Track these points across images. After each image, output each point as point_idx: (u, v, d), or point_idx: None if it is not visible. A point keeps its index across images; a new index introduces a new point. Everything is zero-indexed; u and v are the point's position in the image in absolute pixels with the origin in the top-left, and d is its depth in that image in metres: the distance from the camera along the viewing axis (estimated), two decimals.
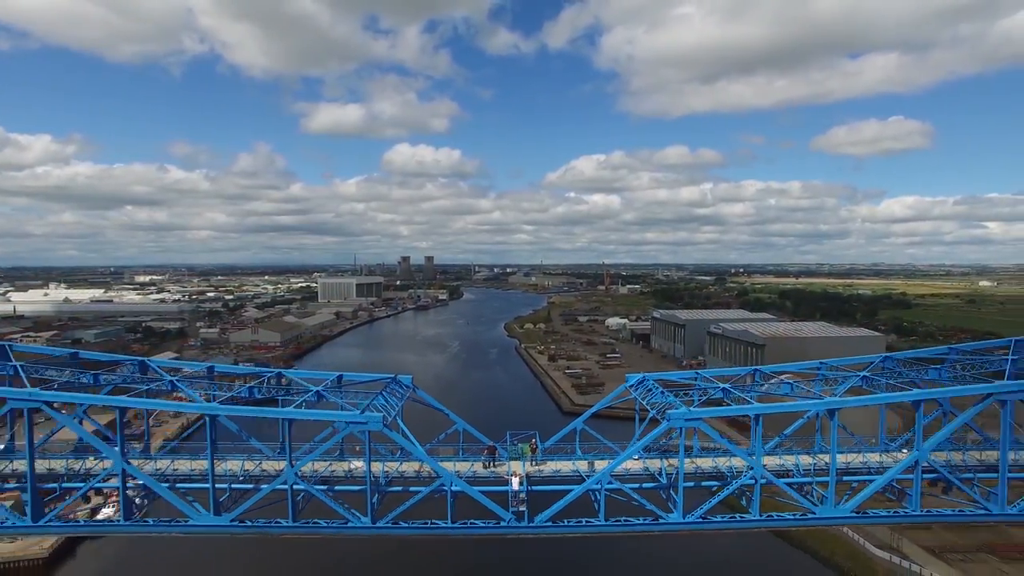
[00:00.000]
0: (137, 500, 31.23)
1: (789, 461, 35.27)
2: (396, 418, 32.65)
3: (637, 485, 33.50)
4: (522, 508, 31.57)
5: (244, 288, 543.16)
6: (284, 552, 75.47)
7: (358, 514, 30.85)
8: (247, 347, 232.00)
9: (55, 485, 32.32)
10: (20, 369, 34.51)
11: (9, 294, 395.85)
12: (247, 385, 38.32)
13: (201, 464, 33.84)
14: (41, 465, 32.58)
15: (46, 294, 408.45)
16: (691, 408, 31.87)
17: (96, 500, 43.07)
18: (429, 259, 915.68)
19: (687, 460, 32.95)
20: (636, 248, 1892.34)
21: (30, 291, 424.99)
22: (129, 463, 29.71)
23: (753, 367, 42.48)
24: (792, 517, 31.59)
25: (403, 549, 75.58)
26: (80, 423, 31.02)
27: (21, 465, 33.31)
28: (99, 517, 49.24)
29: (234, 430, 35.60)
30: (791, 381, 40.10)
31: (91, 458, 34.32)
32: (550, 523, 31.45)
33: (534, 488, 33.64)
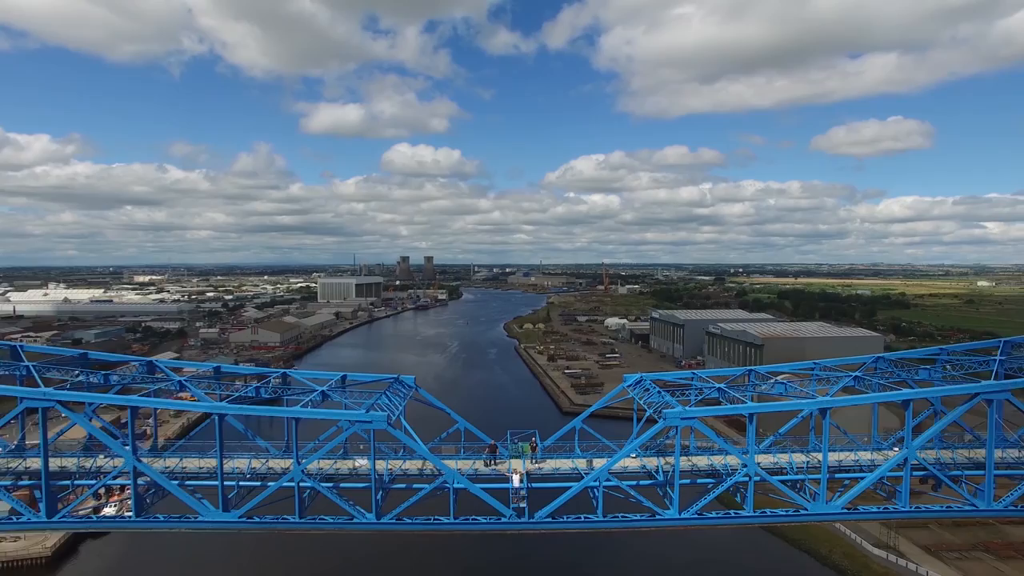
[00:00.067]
0: (147, 498, 32.05)
1: (783, 459, 36.09)
2: (400, 417, 33.48)
3: (634, 482, 34.31)
4: (522, 505, 32.43)
5: (244, 288, 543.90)
6: (283, 553, 75.92)
7: (363, 511, 31.71)
8: (247, 347, 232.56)
9: (67, 482, 33.11)
10: (32, 369, 35.27)
11: (8, 294, 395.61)
12: (253, 385, 39.09)
13: (209, 462, 34.64)
14: (53, 463, 33.35)
15: (45, 294, 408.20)
16: (687, 407, 32.71)
17: (96, 502, 43.85)
18: (429, 259, 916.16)
19: (683, 458, 33.87)
20: (635, 248, 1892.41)
21: (29, 291, 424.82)
22: (140, 460, 30.48)
23: (748, 367, 43.36)
24: (785, 513, 32.48)
25: (406, 547, 76.30)
26: (89, 421, 31.81)
27: (33, 463, 34.16)
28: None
29: (240, 429, 36.53)
30: (785, 381, 40.97)
31: (101, 456, 35.16)
32: (550, 519, 32.33)
33: (534, 485, 34.47)
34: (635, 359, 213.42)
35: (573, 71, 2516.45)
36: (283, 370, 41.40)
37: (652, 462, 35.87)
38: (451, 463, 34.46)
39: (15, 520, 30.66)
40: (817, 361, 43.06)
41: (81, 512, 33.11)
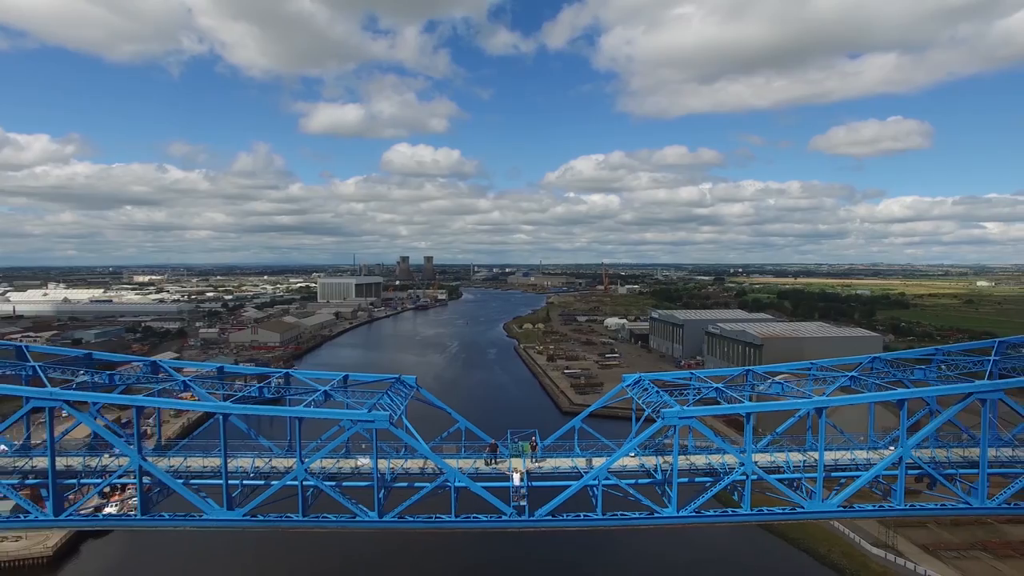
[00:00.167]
0: (152, 496, 32.45)
1: (780, 458, 36.54)
2: (401, 417, 33.91)
3: (633, 481, 34.81)
4: (523, 503, 32.89)
5: (243, 288, 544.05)
6: (283, 553, 76.17)
7: (365, 509, 32.14)
8: (247, 347, 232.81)
9: (74, 481, 33.52)
10: (39, 369, 35.67)
11: (8, 294, 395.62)
12: (256, 385, 39.49)
13: (213, 461, 35.08)
14: (59, 462, 33.69)
15: (45, 294, 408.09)
16: (685, 407, 33.16)
17: (99, 501, 44.25)
18: (428, 259, 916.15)
19: (681, 457, 34.31)
20: (635, 248, 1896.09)
21: (29, 291, 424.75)
22: (146, 459, 30.90)
23: (745, 367, 43.80)
24: (782, 511, 32.96)
25: (408, 545, 76.63)
26: (94, 421, 32.21)
27: (39, 462, 34.56)
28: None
29: (243, 429, 36.95)
30: (782, 381, 41.41)
31: (106, 455, 35.55)
32: (550, 517, 32.78)
33: (534, 484, 34.91)
34: (635, 359, 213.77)
35: (573, 71, 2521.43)
36: (286, 370, 41.82)
37: (651, 461, 36.30)
38: (452, 462, 34.87)
39: (23, 518, 31.07)
40: (814, 361, 43.51)
41: (83, 512, 33.49)
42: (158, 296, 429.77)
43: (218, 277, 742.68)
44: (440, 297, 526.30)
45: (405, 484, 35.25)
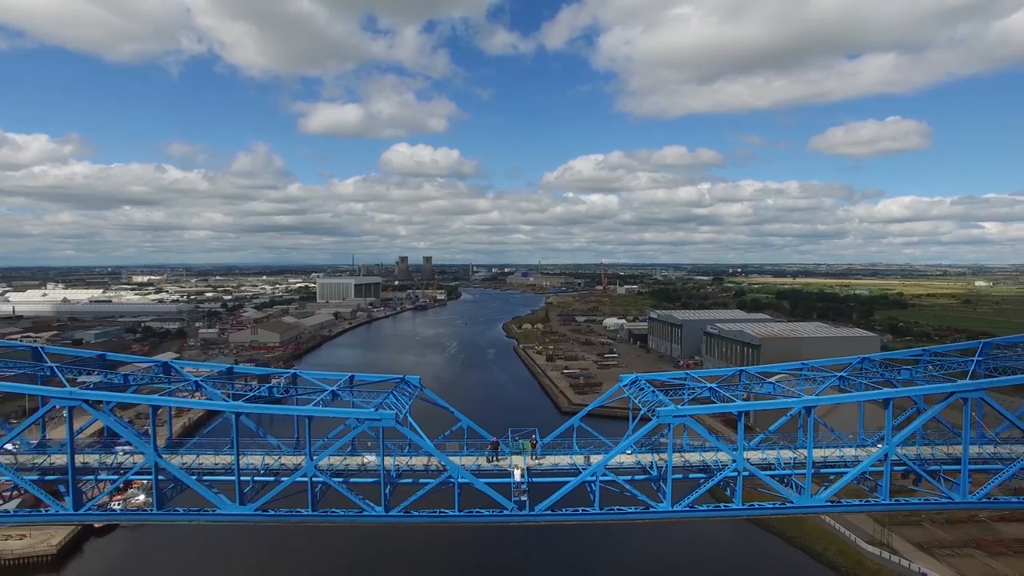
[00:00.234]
0: (166, 492, 33.71)
1: (771, 455, 37.85)
2: (406, 415, 35.15)
3: (629, 477, 36.04)
4: (523, 498, 34.18)
5: (242, 288, 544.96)
6: (288, 552, 77.14)
7: (372, 504, 33.39)
8: (247, 347, 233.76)
9: (91, 477, 34.78)
10: (56, 370, 36.93)
11: (8, 294, 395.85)
12: (265, 385, 40.78)
13: (224, 458, 36.35)
14: (76, 459, 34.91)
15: (44, 294, 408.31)
16: (679, 406, 34.48)
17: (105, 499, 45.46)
18: (427, 259, 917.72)
19: (676, 454, 35.62)
20: (634, 248, 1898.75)
21: (28, 291, 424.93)
22: (161, 456, 32.15)
23: (739, 368, 45.13)
24: (772, 506, 34.24)
25: (411, 543, 77.77)
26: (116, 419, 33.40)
27: (57, 459, 35.83)
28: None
29: (252, 427, 38.21)
30: (774, 381, 42.75)
31: (120, 452, 36.82)
32: (549, 512, 34.08)
33: (534, 480, 36.16)
34: (633, 359, 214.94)
35: (572, 71, 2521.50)
36: (293, 371, 43.06)
37: (646, 458, 37.53)
38: (455, 459, 35.94)
39: (44, 512, 32.32)
40: (806, 362, 44.85)
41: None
42: (157, 296, 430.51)
43: (217, 277, 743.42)
44: (439, 297, 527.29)
45: (410, 480, 36.37)
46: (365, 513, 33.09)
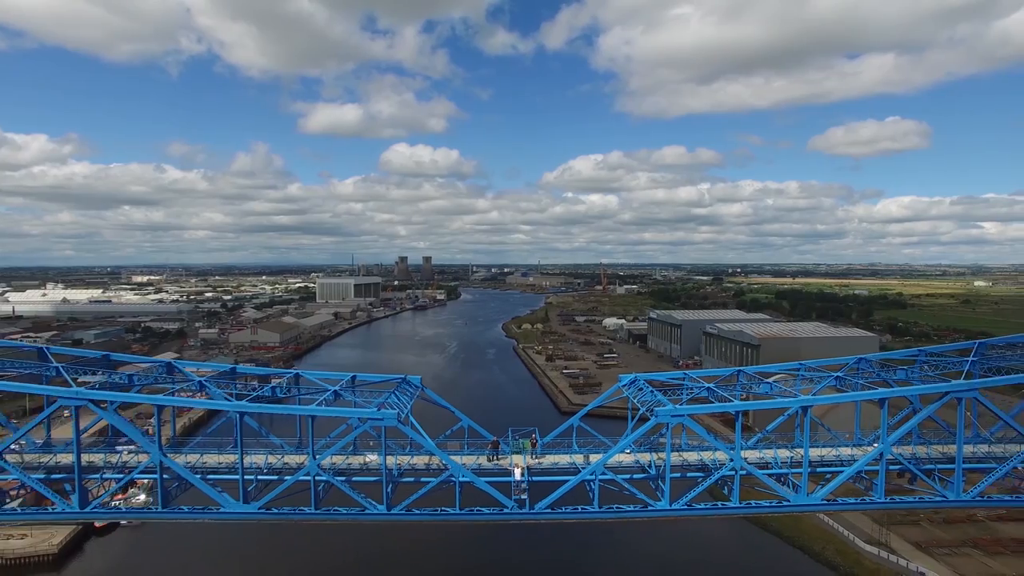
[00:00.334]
0: (172, 490, 34.12)
1: (769, 455, 38.29)
2: (408, 415, 35.58)
3: (628, 476, 36.46)
4: (523, 496, 34.63)
5: (242, 288, 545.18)
6: (283, 553, 77.34)
7: (374, 502, 33.82)
8: (247, 347, 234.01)
9: (96, 476, 35.19)
10: (62, 370, 37.34)
11: (7, 294, 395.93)
12: (268, 385, 41.19)
13: (228, 458, 36.78)
14: (81, 458, 35.31)
15: (44, 294, 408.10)
16: (677, 406, 34.91)
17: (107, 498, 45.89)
18: (427, 259, 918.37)
19: (674, 453, 36.08)
20: (634, 248, 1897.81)
21: (28, 291, 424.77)
22: (166, 456, 32.57)
23: (737, 368, 45.56)
24: (768, 504, 34.68)
25: (412, 542, 78.12)
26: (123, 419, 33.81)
27: (61, 458, 36.25)
28: None
29: (255, 427, 38.62)
30: (771, 381, 43.19)
31: (125, 451, 37.23)
32: (549, 510, 34.53)
33: (534, 479, 36.60)
34: (633, 359, 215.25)
35: (571, 71, 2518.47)
36: (296, 371, 43.47)
37: (645, 457, 37.94)
38: (456, 458, 36.34)
39: (50, 510, 32.73)
40: (803, 362, 45.28)
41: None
42: (157, 296, 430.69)
43: (216, 277, 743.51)
44: (439, 297, 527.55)
45: (412, 479, 36.79)
46: (367, 511, 33.49)
